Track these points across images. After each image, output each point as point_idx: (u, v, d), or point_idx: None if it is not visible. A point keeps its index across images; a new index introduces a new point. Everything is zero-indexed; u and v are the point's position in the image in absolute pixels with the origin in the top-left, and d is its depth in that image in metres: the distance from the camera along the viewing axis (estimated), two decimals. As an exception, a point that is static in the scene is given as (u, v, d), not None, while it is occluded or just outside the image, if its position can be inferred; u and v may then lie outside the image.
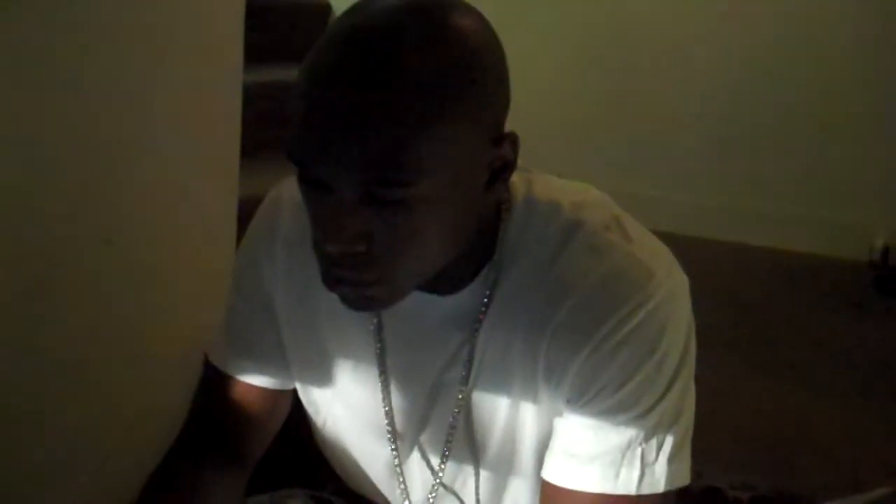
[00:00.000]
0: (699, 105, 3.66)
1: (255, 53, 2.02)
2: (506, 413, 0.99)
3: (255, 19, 1.98)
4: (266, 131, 2.58)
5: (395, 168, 0.77)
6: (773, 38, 3.52)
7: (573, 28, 3.76)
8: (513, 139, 0.87)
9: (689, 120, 3.69)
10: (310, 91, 0.79)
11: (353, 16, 0.81)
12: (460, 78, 0.79)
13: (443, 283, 0.94)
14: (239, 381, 1.12)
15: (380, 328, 1.02)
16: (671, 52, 3.67)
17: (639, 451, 0.93)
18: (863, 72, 3.43)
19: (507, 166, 0.88)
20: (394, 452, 1.07)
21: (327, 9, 3.77)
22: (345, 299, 0.86)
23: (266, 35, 3.30)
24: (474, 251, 0.94)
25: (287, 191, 1.08)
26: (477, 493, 1.07)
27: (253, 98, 2.02)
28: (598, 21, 3.73)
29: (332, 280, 0.85)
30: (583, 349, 0.90)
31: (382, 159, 0.76)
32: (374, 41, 0.78)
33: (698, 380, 0.99)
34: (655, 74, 3.71)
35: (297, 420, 1.18)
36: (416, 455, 1.07)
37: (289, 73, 3.20)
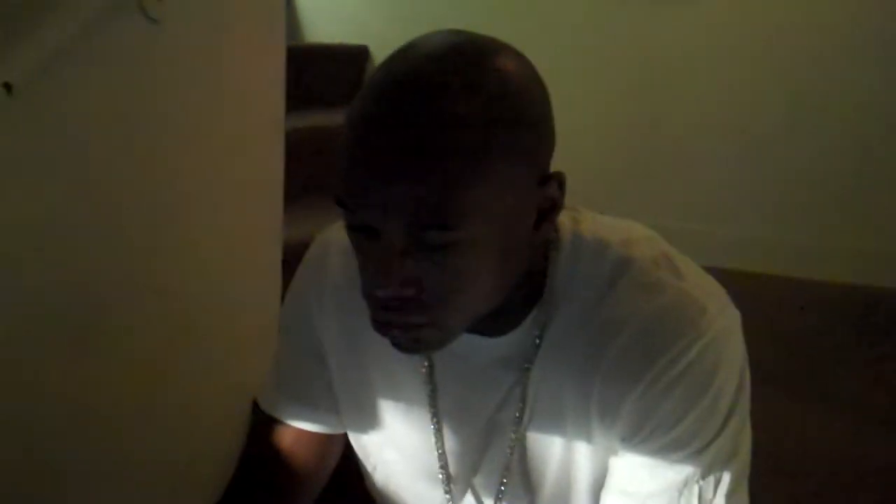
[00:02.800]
0: (739, 139, 3.65)
1: (293, 99, 2.05)
2: (560, 453, 0.98)
3: (292, 65, 2.00)
4: (307, 176, 2.61)
5: (443, 213, 0.76)
6: (810, 77, 3.50)
7: (609, 68, 3.77)
8: (559, 179, 0.86)
9: (729, 153, 3.67)
10: (356, 138, 0.79)
11: (397, 61, 0.82)
12: (505, 121, 0.78)
13: (493, 324, 0.94)
14: (289, 427, 1.13)
15: (431, 371, 1.02)
16: (712, 87, 3.65)
17: (696, 488, 0.91)
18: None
19: (555, 206, 0.87)
20: (447, 496, 1.06)
21: (364, 52, 3.80)
22: (395, 343, 0.86)
23: (303, 80, 3.36)
24: (523, 292, 0.93)
25: (334, 235, 1.09)
26: None
27: (293, 143, 2.04)
28: (627, 60, 3.74)
29: (381, 324, 0.85)
30: (636, 387, 0.89)
31: (430, 205, 0.76)
32: (418, 86, 0.77)
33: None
34: (695, 110, 3.70)
35: (348, 465, 1.17)
36: (469, 498, 1.06)
37: (327, 118, 3.24)
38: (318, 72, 3.57)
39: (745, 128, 3.63)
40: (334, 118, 3.27)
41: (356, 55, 3.82)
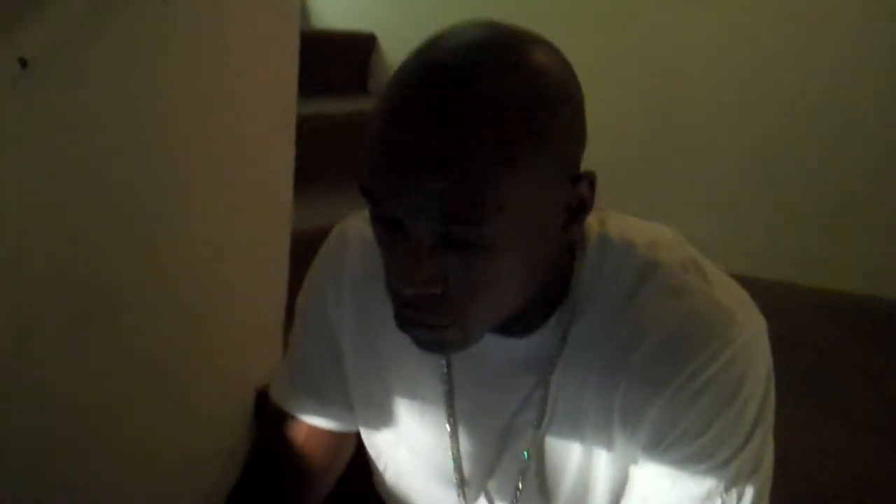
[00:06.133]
0: (749, 145, 3.62)
1: (299, 85, 2.02)
2: (579, 459, 0.96)
3: (300, 51, 1.98)
4: (311, 164, 2.58)
5: (474, 209, 0.73)
6: (821, 80, 3.47)
7: (622, 68, 3.73)
8: (590, 178, 0.84)
9: (740, 160, 3.64)
10: (386, 129, 0.76)
11: (428, 51, 0.79)
12: (540, 115, 0.76)
13: (516, 325, 0.92)
14: (301, 422, 1.11)
15: (449, 370, 1.00)
16: (720, 92, 3.63)
17: (718, 501, 0.89)
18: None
19: (585, 206, 0.85)
20: (460, 499, 1.04)
21: (372, 39, 3.77)
22: (418, 341, 0.84)
23: (310, 67, 3.34)
24: (548, 292, 0.91)
25: (352, 227, 1.06)
26: None
27: (298, 130, 2.01)
28: (647, 58, 3.71)
29: (405, 322, 0.83)
30: (661, 395, 0.87)
31: (460, 200, 0.73)
32: (452, 78, 0.74)
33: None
34: (704, 115, 3.67)
35: (358, 463, 1.15)
36: (482, 502, 1.04)
37: (333, 105, 3.19)
38: (324, 58, 3.53)
39: (758, 135, 3.60)
40: (340, 105, 3.26)
41: (363, 42, 3.79)
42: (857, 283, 3.47)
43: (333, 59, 3.64)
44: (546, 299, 0.92)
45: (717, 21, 3.56)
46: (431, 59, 0.77)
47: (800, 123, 3.54)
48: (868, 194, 3.50)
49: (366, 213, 0.83)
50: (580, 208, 0.84)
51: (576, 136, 0.82)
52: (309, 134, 2.65)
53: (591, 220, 0.94)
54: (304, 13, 4.14)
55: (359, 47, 3.77)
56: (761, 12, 3.50)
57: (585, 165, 0.85)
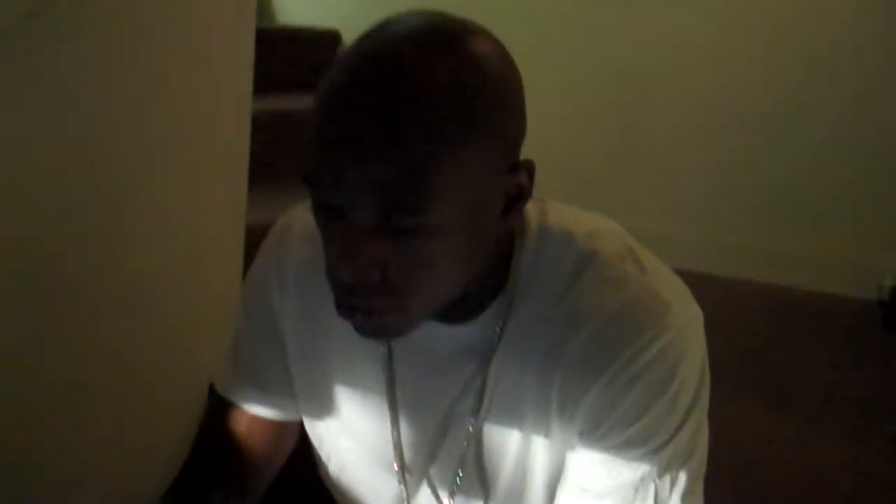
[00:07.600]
0: (707, 142, 3.66)
1: (262, 82, 2.02)
2: (517, 445, 0.97)
3: (263, 47, 1.97)
4: (272, 160, 2.58)
5: (413, 195, 0.75)
6: (784, 80, 3.51)
7: (586, 67, 3.76)
8: (529, 167, 0.85)
9: (698, 157, 3.68)
10: (326, 115, 0.77)
11: (370, 39, 0.80)
12: (480, 104, 0.77)
13: (455, 312, 0.93)
14: (244, 412, 1.11)
15: (390, 358, 1.01)
16: (680, 90, 3.66)
17: (652, 487, 0.91)
18: (873, 114, 3.42)
19: (523, 194, 0.86)
20: (402, 486, 1.05)
21: (335, 36, 3.77)
22: (358, 328, 0.85)
23: (273, 63, 3.32)
24: (487, 280, 0.92)
25: (297, 218, 1.07)
26: None
27: (259, 126, 2.01)
28: (605, 59, 3.73)
29: (345, 308, 0.84)
30: (597, 382, 0.89)
31: (400, 186, 0.74)
32: (390, 66, 0.76)
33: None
34: (664, 112, 3.70)
35: (302, 454, 1.16)
36: (424, 489, 1.05)
37: (296, 102, 3.17)
38: (287, 55, 3.52)
39: (717, 132, 3.64)
40: (302, 102, 3.24)
41: (327, 39, 3.78)
42: (811, 279, 3.53)
43: (298, 55, 3.63)
44: (486, 287, 0.93)
45: (686, 22, 3.59)
46: (371, 47, 0.79)
47: (760, 124, 3.58)
48: (822, 198, 3.56)
49: (310, 204, 0.84)
50: (519, 197, 0.86)
51: (515, 124, 0.84)
52: (271, 129, 2.65)
53: (532, 210, 0.96)
54: (269, 9, 4.13)
55: (323, 44, 3.76)
56: (729, 11, 3.53)
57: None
